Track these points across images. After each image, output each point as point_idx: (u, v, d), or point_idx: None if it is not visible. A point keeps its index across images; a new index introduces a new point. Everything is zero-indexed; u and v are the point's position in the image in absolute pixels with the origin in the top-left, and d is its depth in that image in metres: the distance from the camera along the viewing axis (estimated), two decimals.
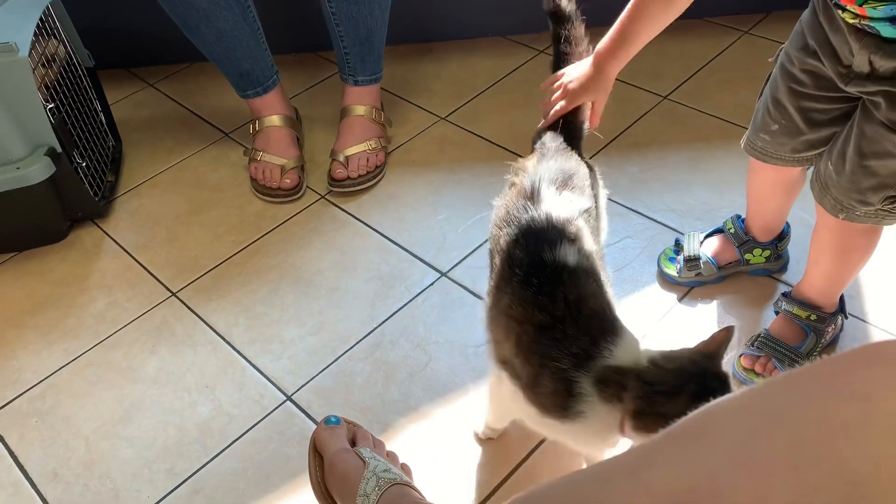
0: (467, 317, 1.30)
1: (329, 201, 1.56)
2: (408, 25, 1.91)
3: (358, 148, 1.56)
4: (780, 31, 1.83)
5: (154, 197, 1.62)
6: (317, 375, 1.24)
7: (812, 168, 1.06)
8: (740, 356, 1.18)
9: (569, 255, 0.88)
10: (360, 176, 1.55)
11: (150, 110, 1.86)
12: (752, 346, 1.17)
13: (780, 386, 0.33)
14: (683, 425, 0.36)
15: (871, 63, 0.88)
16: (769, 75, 1.06)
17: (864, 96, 0.92)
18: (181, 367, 1.27)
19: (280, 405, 1.20)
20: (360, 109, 1.60)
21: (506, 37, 1.94)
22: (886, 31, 0.83)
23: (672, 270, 1.32)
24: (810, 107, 0.99)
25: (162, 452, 1.16)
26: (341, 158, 1.56)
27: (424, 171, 1.60)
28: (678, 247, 1.34)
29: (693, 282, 1.31)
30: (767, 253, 1.29)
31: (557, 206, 0.94)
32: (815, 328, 1.16)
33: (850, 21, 0.86)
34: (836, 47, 0.92)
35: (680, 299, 1.29)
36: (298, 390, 1.22)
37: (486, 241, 1.42)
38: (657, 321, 1.26)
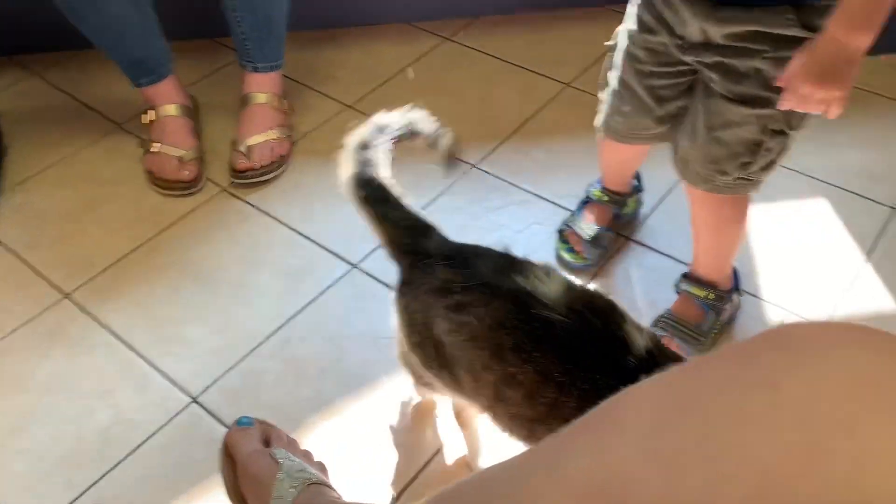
0: (379, 308, 1.28)
1: (231, 193, 1.51)
2: (310, 11, 1.85)
3: (261, 137, 1.51)
4: None
5: (42, 192, 1.52)
6: (223, 375, 1.19)
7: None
8: None
9: None
10: (263, 166, 1.50)
11: (35, 101, 1.75)
12: (656, 326, 1.21)
13: (690, 374, 0.33)
14: (596, 414, 0.35)
15: (703, 31, 0.92)
16: (608, 54, 1.10)
17: (703, 69, 0.96)
18: (77, 372, 1.20)
19: (185, 408, 1.15)
20: (261, 97, 1.55)
21: (410, 23, 1.92)
22: None
23: (575, 259, 1.33)
24: (656, 84, 1.03)
25: (58, 464, 1.09)
26: (243, 148, 1.50)
27: (331, 160, 1.56)
28: (565, 236, 1.36)
29: (597, 260, 1.34)
30: (635, 198, 1.39)
31: None
32: (714, 306, 1.20)
33: None
34: (669, 19, 0.96)
35: (586, 284, 1.31)
36: (204, 392, 1.17)
37: None
38: None
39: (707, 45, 0.93)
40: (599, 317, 0.77)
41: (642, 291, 1.31)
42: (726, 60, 0.92)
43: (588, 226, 1.34)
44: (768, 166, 1.01)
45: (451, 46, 1.85)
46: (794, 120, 0.95)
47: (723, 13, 0.89)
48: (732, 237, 1.15)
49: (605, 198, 1.36)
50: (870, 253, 1.34)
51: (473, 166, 1.54)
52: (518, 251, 1.37)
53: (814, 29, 0.85)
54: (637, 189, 1.41)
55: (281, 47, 1.55)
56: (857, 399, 0.28)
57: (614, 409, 0.33)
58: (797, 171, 1.49)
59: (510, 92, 1.72)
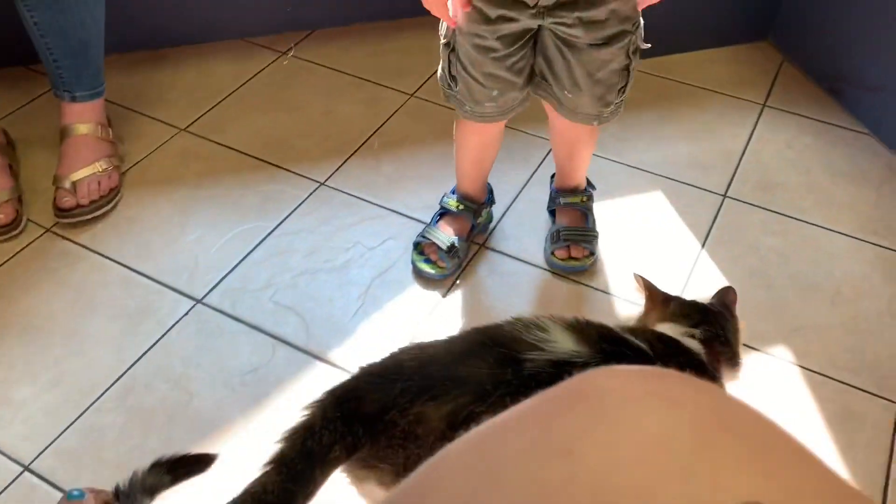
0: (229, 344, 1.22)
1: (57, 234, 1.39)
2: (137, 31, 1.75)
3: (86, 171, 1.40)
4: None
5: None
6: (59, 437, 1.09)
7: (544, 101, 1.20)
8: (552, 253, 1.34)
9: None
10: (91, 202, 1.39)
11: None
12: (558, 241, 1.34)
13: (498, 438, 0.31)
14: (415, 479, 0.33)
15: None
16: (447, 56, 1.15)
17: (560, 28, 1.06)
18: None
19: (17, 478, 1.04)
20: (82, 128, 1.44)
21: (245, 39, 1.85)
22: None
23: (434, 269, 1.32)
24: (513, 61, 1.12)
25: None
26: (67, 185, 1.39)
27: (167, 189, 1.48)
28: (421, 248, 1.35)
29: (455, 270, 1.33)
30: (487, 208, 1.41)
31: None
32: (587, 206, 1.39)
33: None
34: None
35: (444, 294, 1.30)
36: (38, 457, 1.07)
37: (245, 257, 1.35)
38: (427, 315, 1.26)
39: (562, 5, 1.03)
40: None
41: (500, 296, 1.31)
42: (584, 14, 1.03)
43: (445, 237, 1.33)
44: (630, 81, 1.15)
45: (290, 61, 1.80)
46: (638, 34, 1.10)
47: None
48: (590, 149, 1.33)
49: (461, 206, 1.36)
50: (705, 240, 1.41)
51: (322, 184, 1.50)
52: (374, 267, 1.35)
53: None
54: (490, 201, 1.42)
55: (100, 74, 1.44)
56: (649, 464, 0.27)
57: (430, 477, 0.31)
58: (633, 167, 1.55)
59: (354, 105, 1.68)
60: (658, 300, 0.99)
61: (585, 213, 1.39)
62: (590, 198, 1.40)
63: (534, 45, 1.12)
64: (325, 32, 1.88)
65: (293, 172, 1.51)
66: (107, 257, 1.34)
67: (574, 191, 1.39)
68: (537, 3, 1.04)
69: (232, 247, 1.37)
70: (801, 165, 1.56)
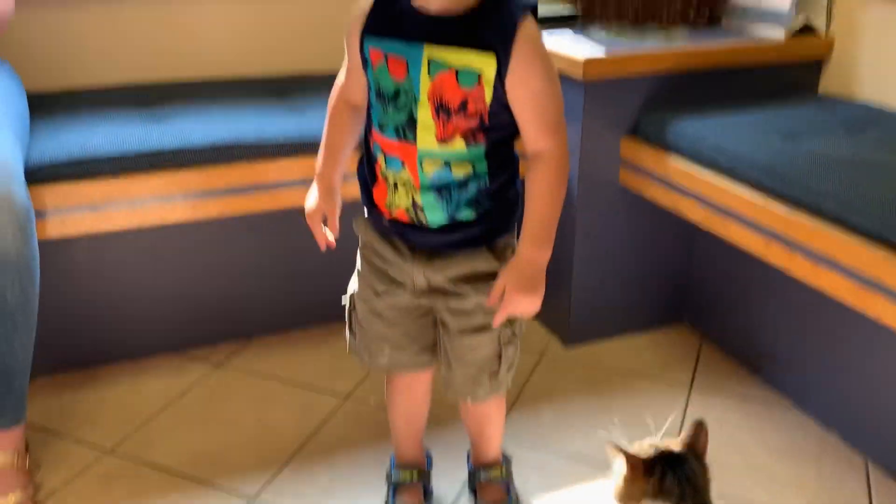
0: None
1: None
2: (65, 351, 1.75)
3: None
4: None
5: None
6: None
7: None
8: None
9: None
10: None
11: None
12: None
13: None
14: None
15: (426, 279, 1.11)
16: (347, 312, 1.24)
17: (437, 310, 1.15)
18: None
19: None
20: None
21: (180, 352, 1.86)
22: (433, 214, 1.05)
23: None
24: (406, 328, 1.19)
25: None
26: None
27: None
28: None
29: None
30: (428, 474, 1.40)
31: None
32: (507, 478, 1.37)
33: (400, 207, 1.07)
34: (397, 277, 1.13)
35: None
36: None
37: None
38: None
39: (434, 290, 1.12)
40: None
41: None
42: (451, 303, 1.12)
43: None
44: (510, 367, 1.21)
45: (224, 372, 1.80)
46: (515, 326, 1.16)
47: (437, 262, 1.10)
48: (499, 423, 1.34)
49: (413, 475, 1.35)
50: None
51: (253, 498, 1.42)
52: None
53: (504, 261, 1.09)
54: (429, 460, 1.42)
55: (22, 400, 1.40)
56: None
57: None
58: (571, 458, 1.53)
59: (288, 412, 1.66)
60: (640, 471, 0.99)
61: (507, 486, 1.37)
62: (508, 465, 1.40)
63: (435, 319, 1.19)
64: (262, 340, 1.91)
65: (222, 490, 1.44)
66: None
67: (492, 465, 1.37)
68: (414, 284, 1.13)
69: None
70: (737, 444, 1.57)
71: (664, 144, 1.61)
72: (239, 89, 1.81)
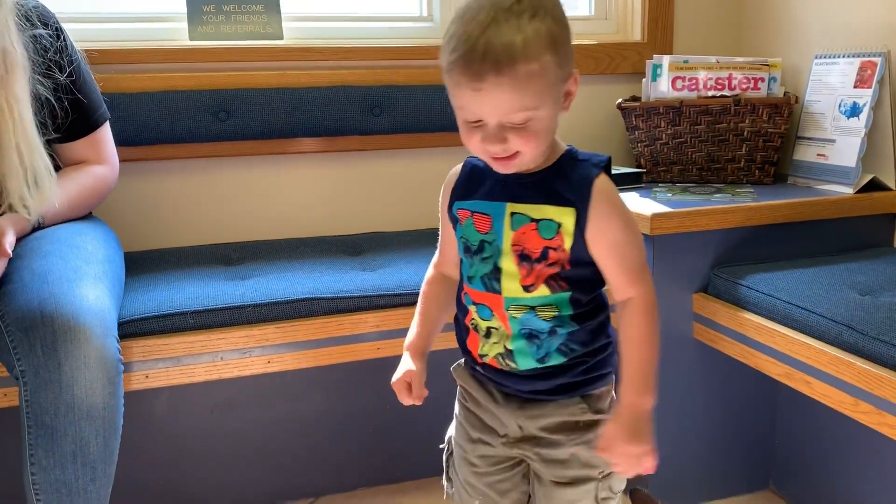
0: None
1: None
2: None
3: None
4: None
5: None
6: None
7: None
8: None
9: None
10: None
11: None
12: None
13: None
14: None
15: (519, 427, 1.11)
16: (446, 458, 1.23)
17: (530, 460, 1.12)
18: None
19: None
20: None
21: None
22: (523, 360, 1.06)
23: None
24: (495, 480, 1.16)
25: None
26: None
27: None
28: None
29: None
30: None
31: None
32: None
33: (491, 356, 1.08)
34: (490, 423, 1.14)
35: None
36: None
37: None
38: None
39: (526, 439, 1.11)
40: None
41: None
42: (544, 451, 1.10)
43: None
44: None
45: None
46: (614, 484, 1.12)
47: (530, 410, 1.10)
48: None
49: None
50: None
51: None
52: None
53: (600, 411, 1.09)
54: None
55: None
56: None
57: None
58: None
59: None
60: None
61: None
62: None
63: (527, 472, 1.17)
64: (328, 500, 1.88)
65: None
66: None
67: None
68: (507, 434, 1.12)
69: None
70: None
71: (736, 300, 1.59)
72: (316, 248, 1.90)
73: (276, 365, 1.57)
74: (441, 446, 1.25)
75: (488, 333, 1.09)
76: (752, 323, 1.52)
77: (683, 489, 1.80)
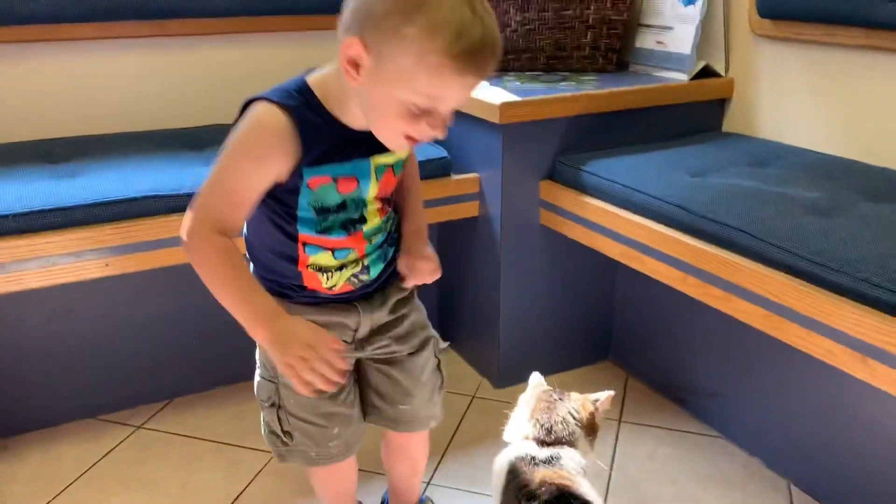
0: None
1: None
2: None
3: None
4: None
5: None
6: None
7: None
8: None
9: None
10: None
11: None
12: None
13: None
14: None
15: (371, 321, 1.14)
16: (275, 415, 1.18)
17: (378, 353, 1.18)
18: None
19: None
20: None
21: (96, 417, 1.78)
22: (375, 269, 1.12)
23: None
24: (345, 395, 1.17)
25: None
26: None
27: None
28: None
29: None
30: None
31: None
32: None
33: (342, 282, 1.10)
34: (347, 337, 1.14)
35: None
36: None
37: None
38: None
39: (376, 331, 1.16)
40: None
41: None
42: (395, 331, 1.17)
43: None
44: (444, 378, 1.27)
45: (143, 434, 1.73)
46: (440, 339, 1.25)
47: (376, 301, 1.15)
48: (425, 462, 1.38)
49: None
50: None
51: None
52: None
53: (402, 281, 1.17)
54: None
55: None
56: None
57: None
58: None
59: (214, 472, 1.60)
60: None
61: None
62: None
63: (357, 381, 1.22)
64: (183, 400, 1.85)
65: None
66: None
67: None
68: (354, 338, 1.15)
69: None
70: (667, 475, 1.59)
71: (579, 186, 1.65)
72: (154, 142, 1.78)
73: (115, 268, 1.48)
74: (266, 403, 1.17)
75: (342, 267, 1.10)
76: (593, 207, 1.59)
77: (530, 364, 1.89)
